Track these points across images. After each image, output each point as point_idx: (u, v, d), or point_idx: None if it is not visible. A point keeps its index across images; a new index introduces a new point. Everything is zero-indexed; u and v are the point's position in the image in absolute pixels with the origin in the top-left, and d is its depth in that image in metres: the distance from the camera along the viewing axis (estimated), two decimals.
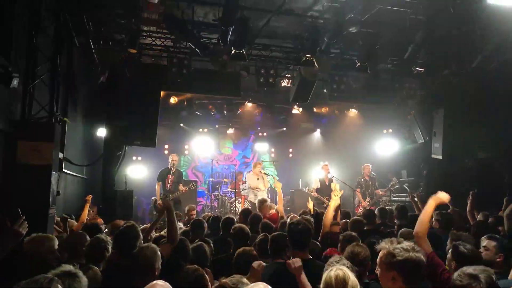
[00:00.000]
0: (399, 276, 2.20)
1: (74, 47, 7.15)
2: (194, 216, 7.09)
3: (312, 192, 9.55)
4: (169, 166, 9.44)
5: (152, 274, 2.93)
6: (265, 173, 10.16)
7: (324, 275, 2.31)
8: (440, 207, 5.16)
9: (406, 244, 2.30)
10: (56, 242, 3.44)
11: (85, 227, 4.59)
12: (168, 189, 9.22)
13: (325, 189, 9.54)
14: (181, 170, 10.45)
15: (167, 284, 2.29)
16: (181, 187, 9.28)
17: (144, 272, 2.94)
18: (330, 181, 9.67)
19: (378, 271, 2.36)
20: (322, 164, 10.48)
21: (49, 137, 5.02)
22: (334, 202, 4.80)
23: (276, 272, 3.20)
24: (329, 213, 4.68)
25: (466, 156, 9.23)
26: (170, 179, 9.27)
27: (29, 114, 5.36)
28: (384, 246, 2.33)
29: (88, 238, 3.79)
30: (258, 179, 10.02)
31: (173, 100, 11.21)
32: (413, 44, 7.99)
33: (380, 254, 2.34)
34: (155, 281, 2.32)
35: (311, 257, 3.45)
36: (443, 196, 3.26)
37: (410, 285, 2.20)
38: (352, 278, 2.26)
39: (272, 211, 6.88)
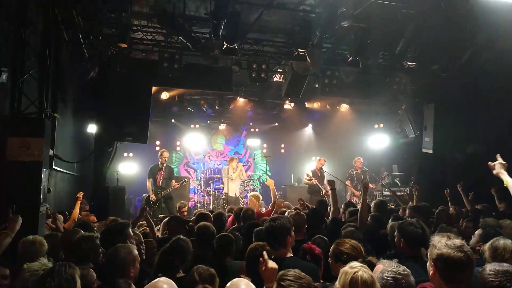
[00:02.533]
0: (435, 268, 2.20)
1: (63, 42, 7.04)
2: (186, 213, 7.05)
3: (310, 180, 9.94)
4: (160, 163, 9.36)
5: (126, 274, 2.78)
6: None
7: (347, 275, 2.09)
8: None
9: (454, 241, 2.21)
10: (46, 247, 3.39)
11: (76, 226, 4.52)
12: (159, 185, 9.17)
13: (317, 180, 10.00)
14: (172, 167, 10.42)
15: (170, 281, 2.22)
16: (173, 182, 9.24)
17: (116, 273, 2.76)
18: (322, 172, 10.17)
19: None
20: (319, 158, 10.67)
21: (39, 133, 4.93)
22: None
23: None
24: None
25: (456, 150, 9.32)
26: (161, 176, 9.22)
27: (18, 109, 5.27)
28: (436, 238, 2.30)
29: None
30: (234, 172, 10.31)
31: (164, 95, 11.13)
32: (404, 39, 8.03)
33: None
34: (157, 278, 2.25)
35: (291, 255, 3.28)
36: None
37: (446, 281, 2.17)
38: (377, 284, 2.12)
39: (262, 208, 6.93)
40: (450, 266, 2.13)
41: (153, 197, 9.05)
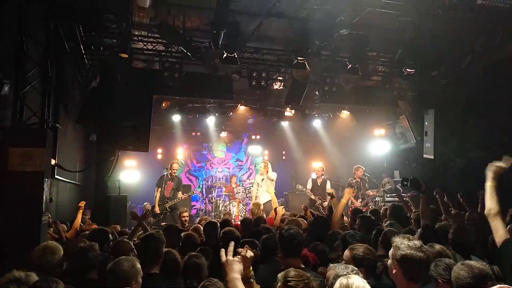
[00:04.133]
0: (399, 268, 2.43)
1: (64, 53, 7.12)
2: (186, 219, 7.06)
3: (308, 192, 9.86)
4: (169, 173, 9.45)
5: None
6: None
7: (340, 282, 2.10)
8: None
9: (415, 242, 2.47)
10: (61, 253, 3.41)
11: (93, 233, 4.49)
12: (167, 196, 9.25)
13: (316, 190, 9.94)
14: (180, 178, 10.41)
15: None
16: (179, 194, 9.32)
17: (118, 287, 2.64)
18: (324, 182, 9.99)
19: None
20: (319, 166, 10.57)
21: (41, 143, 4.98)
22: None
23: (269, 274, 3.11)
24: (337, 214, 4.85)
25: (458, 155, 9.32)
26: (170, 186, 9.32)
27: (20, 120, 5.32)
28: (396, 240, 2.54)
29: None
30: (263, 179, 10.07)
31: (165, 104, 11.20)
32: (402, 45, 8.08)
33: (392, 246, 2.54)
34: None
35: (303, 266, 3.18)
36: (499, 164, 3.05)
37: (408, 279, 2.41)
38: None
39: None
40: (413, 265, 2.39)
41: (157, 209, 9.11)
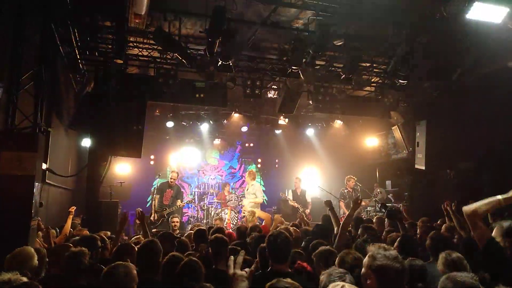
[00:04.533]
0: (374, 278, 2.30)
1: (59, 57, 7.11)
2: (176, 224, 7.06)
3: (290, 200, 10.44)
4: (168, 181, 9.70)
5: None
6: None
7: None
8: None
9: (391, 252, 2.36)
10: (36, 258, 3.35)
11: (81, 240, 4.46)
12: (166, 203, 9.37)
13: (297, 199, 10.49)
14: (180, 186, 10.61)
15: None
16: (178, 202, 9.48)
17: None
18: (303, 192, 10.65)
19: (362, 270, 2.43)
20: (296, 178, 11.04)
21: (33, 147, 4.95)
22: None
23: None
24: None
25: (449, 166, 9.42)
26: (169, 194, 9.50)
27: (12, 124, 5.29)
28: (372, 249, 2.42)
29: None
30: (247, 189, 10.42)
31: (159, 110, 11.20)
32: (395, 57, 8.19)
33: (367, 255, 2.43)
34: None
35: (290, 270, 3.30)
36: None
37: None
38: None
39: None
40: (389, 276, 2.27)
41: (154, 216, 9.23)
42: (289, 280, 2.32)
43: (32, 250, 3.41)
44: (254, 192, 10.20)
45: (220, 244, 3.91)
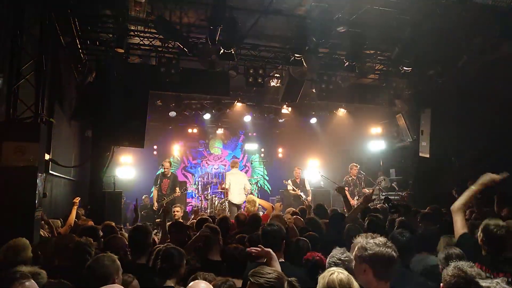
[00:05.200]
0: (370, 268, 2.32)
1: (60, 47, 7.06)
2: (178, 214, 7.07)
3: (292, 188, 10.42)
4: (164, 172, 9.52)
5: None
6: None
7: (324, 279, 2.17)
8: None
9: (379, 239, 2.39)
10: (30, 250, 3.34)
11: (83, 230, 4.48)
12: (164, 193, 9.34)
13: (297, 188, 10.50)
14: (175, 174, 10.51)
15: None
16: (177, 190, 9.40)
17: (99, 283, 2.56)
18: (302, 181, 10.66)
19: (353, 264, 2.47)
20: (296, 167, 10.98)
21: (34, 137, 4.92)
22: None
23: None
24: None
25: (453, 154, 9.35)
26: (166, 184, 9.42)
27: (13, 114, 5.26)
28: (359, 240, 2.45)
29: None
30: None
31: (161, 100, 11.16)
32: (400, 44, 8.07)
33: (356, 248, 2.44)
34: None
35: (282, 260, 3.31)
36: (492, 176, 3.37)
37: (379, 278, 2.30)
38: (355, 282, 2.18)
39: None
40: (383, 263, 2.30)
41: (156, 206, 9.26)
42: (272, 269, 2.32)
43: (27, 241, 3.39)
44: (243, 181, 10.17)
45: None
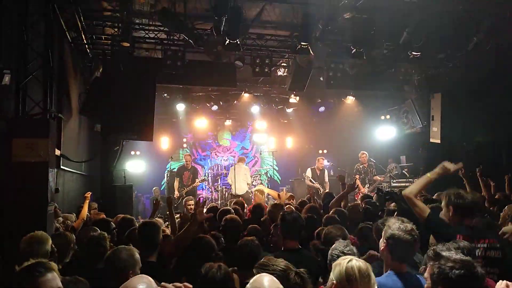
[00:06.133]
0: (386, 246, 2.58)
1: (66, 42, 7.08)
2: (192, 207, 7.09)
3: (310, 180, 10.15)
4: (185, 164, 10.60)
5: (124, 279, 2.59)
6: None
7: (341, 266, 2.10)
8: None
9: (405, 225, 2.57)
10: (50, 242, 3.35)
11: (94, 223, 4.53)
12: (185, 184, 10.23)
13: (315, 178, 10.27)
14: (195, 167, 11.40)
15: (149, 278, 2.12)
16: (196, 181, 10.29)
17: (114, 277, 2.57)
18: (322, 172, 10.46)
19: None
20: (318, 158, 10.79)
21: (44, 133, 4.97)
22: None
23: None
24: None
25: (464, 139, 9.22)
26: (187, 176, 10.33)
27: (22, 111, 5.31)
28: (392, 220, 2.68)
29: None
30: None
31: (168, 93, 11.17)
32: (408, 28, 7.92)
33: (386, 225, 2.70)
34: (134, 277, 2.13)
35: (300, 246, 3.42)
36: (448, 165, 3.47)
37: (393, 257, 2.55)
38: (371, 270, 2.14)
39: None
40: (399, 246, 2.51)
41: (177, 194, 10.12)
42: (280, 260, 2.26)
43: (45, 234, 3.43)
44: (245, 173, 10.57)
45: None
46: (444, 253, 2.16)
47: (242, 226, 4.34)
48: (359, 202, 6.40)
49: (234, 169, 10.44)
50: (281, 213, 3.62)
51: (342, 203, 5.64)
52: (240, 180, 10.23)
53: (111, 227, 4.29)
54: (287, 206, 5.09)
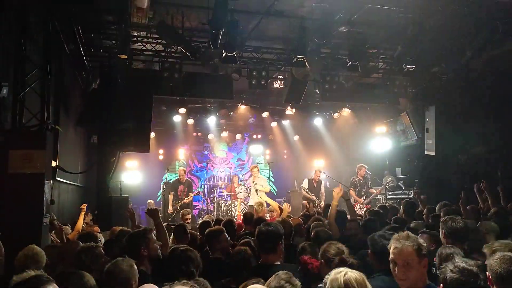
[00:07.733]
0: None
1: (64, 54, 7.12)
2: (189, 221, 7.07)
3: (306, 191, 10.21)
4: (179, 178, 10.62)
5: None
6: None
7: (338, 280, 2.05)
8: None
9: (404, 233, 2.57)
10: (45, 258, 3.34)
11: (81, 237, 4.54)
12: (180, 197, 10.27)
13: (312, 190, 10.28)
14: (190, 180, 11.43)
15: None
16: (190, 195, 10.28)
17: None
18: (319, 183, 10.45)
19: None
20: (316, 170, 10.80)
21: (41, 145, 4.97)
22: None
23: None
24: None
25: (459, 152, 9.29)
26: (181, 189, 10.37)
27: (20, 122, 5.32)
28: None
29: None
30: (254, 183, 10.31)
31: (165, 105, 11.21)
32: (402, 42, 8.05)
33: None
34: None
35: (278, 263, 3.19)
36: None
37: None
38: (367, 281, 2.11)
39: (273, 214, 6.94)
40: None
41: (170, 209, 10.15)
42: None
43: (39, 249, 3.41)
44: (261, 183, 10.34)
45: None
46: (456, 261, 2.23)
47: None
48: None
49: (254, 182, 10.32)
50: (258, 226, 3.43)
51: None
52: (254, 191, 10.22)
53: (98, 240, 4.27)
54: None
